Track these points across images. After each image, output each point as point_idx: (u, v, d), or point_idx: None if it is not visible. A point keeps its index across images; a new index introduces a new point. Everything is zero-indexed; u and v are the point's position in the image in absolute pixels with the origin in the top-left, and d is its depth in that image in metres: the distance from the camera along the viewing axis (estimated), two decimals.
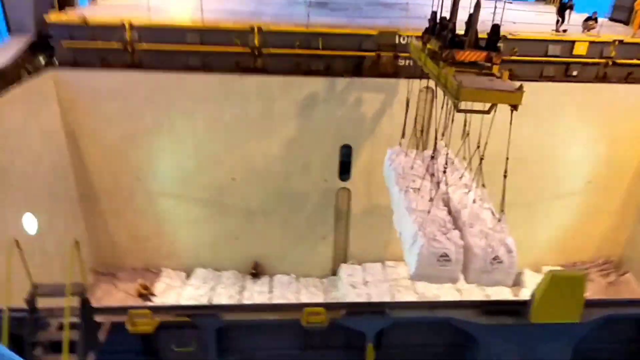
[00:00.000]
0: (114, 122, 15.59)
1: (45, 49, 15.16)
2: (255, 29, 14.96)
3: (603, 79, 16.22)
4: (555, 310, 7.67)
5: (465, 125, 10.48)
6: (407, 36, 15.32)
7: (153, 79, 15.16)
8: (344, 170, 16.81)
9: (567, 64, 16.02)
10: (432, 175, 10.51)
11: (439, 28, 10.17)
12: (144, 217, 17.22)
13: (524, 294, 17.43)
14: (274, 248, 18.01)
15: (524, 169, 17.06)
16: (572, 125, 16.65)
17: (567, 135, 16.77)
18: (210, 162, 16.41)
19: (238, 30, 15.06)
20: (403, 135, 13.18)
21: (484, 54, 9.06)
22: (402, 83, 15.43)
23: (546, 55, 15.88)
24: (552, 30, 16.52)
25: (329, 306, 7.64)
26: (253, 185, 16.92)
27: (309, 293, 17.41)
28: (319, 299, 17.01)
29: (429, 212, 9.39)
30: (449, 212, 9.93)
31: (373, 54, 15.44)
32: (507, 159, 9.21)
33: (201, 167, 16.50)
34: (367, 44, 15.36)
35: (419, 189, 10.32)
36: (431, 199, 9.64)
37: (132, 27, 14.79)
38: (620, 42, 15.74)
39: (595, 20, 16.63)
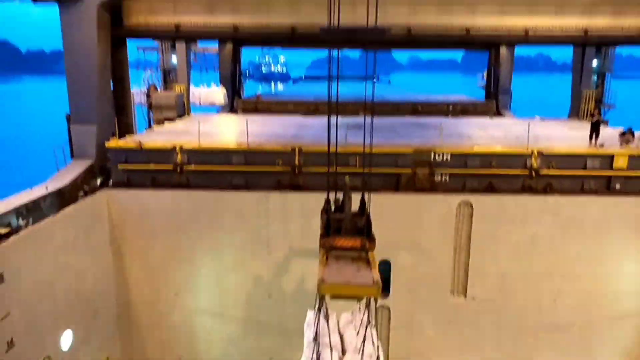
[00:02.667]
0: (158, 238, 16.15)
1: (103, 171, 16.51)
2: (297, 150, 15.88)
3: None
4: None
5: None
6: (443, 153, 15.78)
7: (197, 197, 15.92)
8: (383, 286, 16.30)
9: (609, 177, 15.89)
10: (339, 343, 10.01)
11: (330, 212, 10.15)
12: (179, 334, 16.91)
13: None
14: None
15: (575, 287, 16.07)
16: (623, 238, 15.91)
17: (618, 249, 15.95)
18: (248, 278, 16.37)
19: (280, 152, 16.01)
20: None
21: (358, 241, 9.44)
22: (439, 199, 15.53)
23: (585, 169, 15.84)
24: (592, 145, 16.65)
25: None
26: (289, 303, 16.51)
27: None
28: None
29: None
30: None
31: (409, 170, 15.85)
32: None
33: (239, 283, 16.44)
34: (403, 161, 15.83)
35: None
36: None
37: (182, 150, 16.02)
38: None
39: (632, 134, 16.70)
